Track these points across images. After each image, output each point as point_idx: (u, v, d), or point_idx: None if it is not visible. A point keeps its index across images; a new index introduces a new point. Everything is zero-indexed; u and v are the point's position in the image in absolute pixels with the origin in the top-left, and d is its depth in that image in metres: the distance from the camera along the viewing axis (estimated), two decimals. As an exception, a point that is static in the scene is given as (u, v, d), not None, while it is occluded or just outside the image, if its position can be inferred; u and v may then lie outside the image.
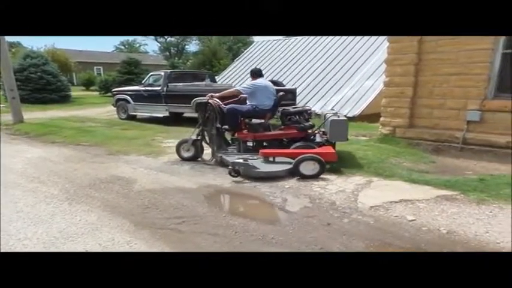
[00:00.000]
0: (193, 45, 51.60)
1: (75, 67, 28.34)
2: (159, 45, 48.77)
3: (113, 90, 12.80)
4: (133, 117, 11.61)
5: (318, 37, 16.15)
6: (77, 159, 6.01)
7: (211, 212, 3.67)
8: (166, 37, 47.53)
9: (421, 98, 6.50)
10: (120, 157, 6.13)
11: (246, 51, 20.59)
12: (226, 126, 5.57)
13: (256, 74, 5.87)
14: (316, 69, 14.30)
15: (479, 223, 3.28)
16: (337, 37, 15.06)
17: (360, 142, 7.09)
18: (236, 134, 5.62)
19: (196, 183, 4.60)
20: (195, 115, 9.73)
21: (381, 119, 7.11)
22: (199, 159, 5.66)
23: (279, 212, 3.75)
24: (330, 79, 13.33)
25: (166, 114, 10.74)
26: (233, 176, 4.63)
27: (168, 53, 47.15)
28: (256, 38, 41.76)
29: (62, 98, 18.23)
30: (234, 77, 17.50)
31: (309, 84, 13.62)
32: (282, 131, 5.61)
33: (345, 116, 11.04)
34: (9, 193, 4.23)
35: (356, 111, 11.21)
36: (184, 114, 11.17)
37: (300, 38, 17.30)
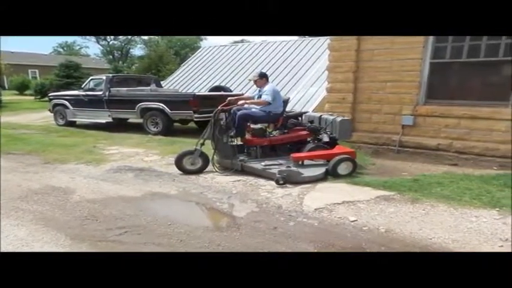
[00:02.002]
0: (138, 49, 50.13)
1: (6, 70, 26.14)
2: (102, 48, 46.72)
3: (50, 94, 12.00)
4: (72, 124, 10.97)
5: (264, 43, 16.43)
6: (7, 169, 5.53)
7: (155, 221, 3.55)
8: (109, 40, 45.69)
9: (361, 104, 6.85)
10: (57, 166, 5.74)
11: (193, 56, 20.35)
12: (232, 132, 5.34)
13: (266, 77, 5.78)
14: (263, 75, 14.51)
15: (413, 221, 3.49)
16: (283, 43, 15.44)
17: (305, 146, 7.28)
18: (248, 140, 5.50)
19: (141, 191, 4.44)
20: (140, 121, 9.50)
21: (325, 123, 7.37)
22: (216, 170, 5.23)
23: (225, 218, 3.72)
24: (277, 84, 13.57)
25: (109, 120, 10.28)
26: (281, 184, 4.52)
27: (111, 57, 45.30)
28: (203, 43, 41.69)
29: (-10, 102, 16.76)
30: (181, 82, 17.21)
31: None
32: (293, 134, 5.67)
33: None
34: None
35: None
36: (129, 120, 10.77)
37: (246, 44, 17.48)
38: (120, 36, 44.80)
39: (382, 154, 6.57)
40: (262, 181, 4.84)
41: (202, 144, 5.20)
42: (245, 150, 5.63)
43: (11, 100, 20.71)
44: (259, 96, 5.64)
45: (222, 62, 17.00)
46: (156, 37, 44.51)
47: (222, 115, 5.27)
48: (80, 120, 10.99)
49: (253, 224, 3.48)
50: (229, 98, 5.55)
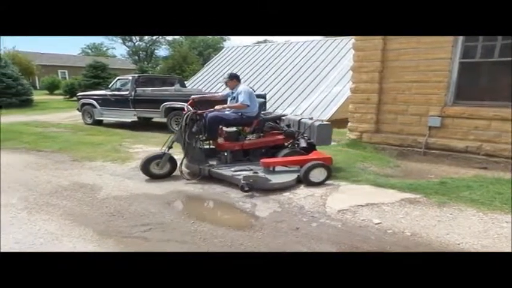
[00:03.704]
0: (163, 49, 51.03)
1: (37, 70, 27.20)
2: (128, 49, 47.81)
3: (78, 94, 12.38)
4: (99, 122, 11.27)
5: (287, 43, 16.39)
6: (38, 166, 5.75)
7: (179, 218, 3.60)
8: (135, 41, 46.70)
9: (386, 104, 6.72)
10: (84, 163, 5.91)
11: (216, 56, 20.55)
12: (203, 136, 5.08)
13: (236, 78, 5.51)
14: (286, 74, 14.48)
15: (440, 225, 3.40)
16: (306, 43, 15.35)
17: (328, 147, 7.21)
18: (220, 144, 5.20)
19: (165, 189, 4.51)
20: (164, 120, 9.66)
21: (349, 124, 7.29)
22: (186, 177, 4.94)
23: (248, 218, 3.73)
24: (300, 85, 13.53)
25: (135, 119, 10.52)
26: (246, 191, 4.20)
27: (137, 57, 46.29)
28: (226, 44, 41.97)
29: (23, 102, 17.45)
30: (204, 82, 17.40)
31: (279, 90, 13.76)
32: (269, 138, 5.37)
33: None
34: (-39, 203, 3.97)
35: (325, 117, 11.41)
36: (153, 119, 10.97)
37: (269, 44, 17.48)
38: (146, 37, 45.72)
39: (407, 156, 6.43)
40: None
41: (171, 147, 4.98)
42: (217, 155, 5.34)
43: (42, 99, 21.49)
44: (233, 98, 5.37)
45: (245, 62, 17.08)
46: (180, 38, 45.23)
47: (193, 118, 4.87)
48: (106, 119, 11.28)
49: (275, 225, 3.48)
50: (192, 97, 5.32)
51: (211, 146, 5.30)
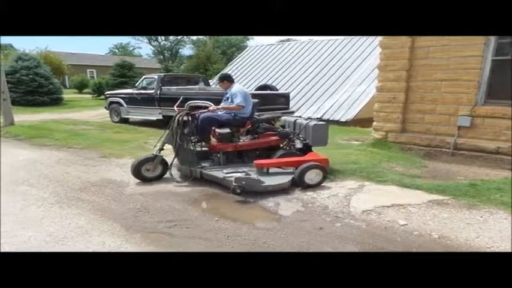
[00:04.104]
0: (187, 49, 51.63)
1: (68, 70, 28.13)
2: (153, 48, 48.68)
3: (106, 93, 12.73)
4: (126, 120, 11.55)
5: (311, 42, 16.26)
6: (68, 162, 5.96)
7: (203, 215, 3.65)
8: (160, 40, 47.48)
9: (413, 104, 6.57)
10: (112, 160, 6.08)
11: (239, 55, 20.65)
12: (196, 138, 4.92)
13: (227, 78, 5.42)
14: (310, 73, 14.38)
15: (470, 228, 3.30)
16: (331, 42, 15.19)
17: (352, 146, 7.13)
18: (212, 145, 5.03)
19: (189, 187, 4.57)
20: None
21: (374, 123, 7.17)
22: (175, 179, 4.78)
23: (271, 216, 3.74)
24: (323, 84, 13.41)
25: (160, 117, 10.70)
26: (237, 194, 4.06)
27: (162, 57, 47.07)
28: (250, 43, 42.09)
29: (54, 100, 18.08)
30: (228, 81, 17.52)
31: (302, 89, 13.69)
32: (263, 139, 5.25)
33: (338, 120, 11.16)
34: (-2, 196, 4.17)
35: (349, 116, 11.28)
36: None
37: (293, 42, 17.39)
38: (171, 37, 46.36)
39: (435, 156, 6.26)
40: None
41: (162, 149, 4.79)
42: (210, 157, 5.18)
43: (71, 98, 22.21)
44: (227, 99, 5.27)
45: (269, 61, 17.08)
46: (204, 37, 45.65)
47: (184, 119, 4.74)
48: (132, 117, 11.54)
49: (298, 224, 3.47)
50: (188, 103, 5.16)
51: (204, 148, 5.15)
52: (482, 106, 5.84)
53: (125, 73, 23.46)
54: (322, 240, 3.13)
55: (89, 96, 25.23)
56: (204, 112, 4.96)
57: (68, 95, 22.67)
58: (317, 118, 11.79)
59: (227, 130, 5.05)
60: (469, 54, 5.81)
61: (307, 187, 4.40)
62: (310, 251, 2.94)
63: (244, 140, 5.25)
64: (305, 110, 12.50)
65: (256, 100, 5.57)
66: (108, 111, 12.09)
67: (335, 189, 4.42)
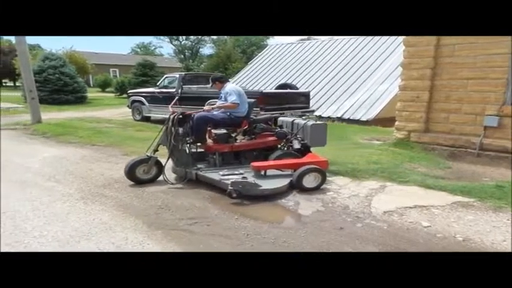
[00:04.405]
0: (207, 48, 51.97)
1: (92, 69, 28.81)
2: (174, 47, 49.24)
3: (128, 92, 12.97)
4: (147, 119, 11.74)
5: (333, 40, 16.10)
6: (92, 159, 6.11)
7: (223, 213, 3.67)
8: (181, 40, 47.97)
9: (437, 103, 6.41)
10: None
11: (260, 54, 20.66)
12: (191, 138, 4.79)
13: (219, 79, 5.32)
14: (330, 72, 14.25)
15: (496, 231, 3.20)
16: (352, 40, 14.99)
17: (373, 146, 7.03)
18: (208, 146, 4.90)
19: (209, 185, 4.60)
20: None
21: (396, 123, 7.04)
22: (169, 181, 4.63)
23: (291, 215, 3.73)
24: (344, 82, 13.26)
25: (181, 116, 10.82)
26: (233, 198, 3.93)
27: (182, 56, 47.55)
28: (270, 41, 42.02)
29: (78, 99, 18.57)
30: (248, 80, 17.55)
31: (322, 88, 13.58)
32: (260, 139, 5.11)
33: (359, 119, 11.02)
34: (26, 191, 4.31)
35: (370, 115, 11.12)
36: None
37: (313, 41, 17.26)
38: (191, 36, 46.79)
39: (459, 157, 6.09)
40: (328, 179, 4.77)
41: (156, 150, 4.66)
42: (206, 158, 5.05)
43: (95, 97, 22.76)
44: (222, 98, 5.16)
45: (289, 60, 17.03)
46: (224, 36, 45.90)
47: (179, 119, 4.64)
48: (154, 115, 11.72)
49: (318, 223, 3.45)
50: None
51: (200, 150, 5.01)
52: (510, 105, 5.64)
53: (147, 72, 23.87)
54: (342, 240, 3.10)
55: (112, 94, 25.80)
56: (199, 112, 4.86)
57: (91, 93, 23.21)
58: (337, 117, 11.69)
59: (223, 130, 4.94)
60: (496, 51, 5.62)
61: (305, 190, 4.26)
62: (330, 250, 2.92)
63: (241, 141, 5.15)
64: (325, 109, 12.40)
65: (253, 100, 5.46)
66: (130, 110, 12.32)
67: (356, 189, 4.37)
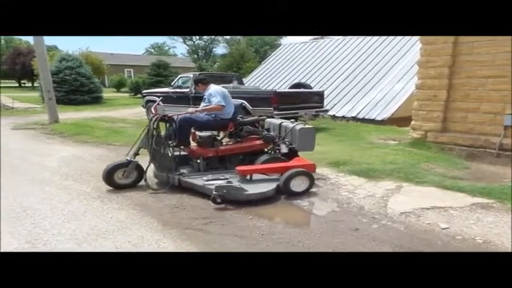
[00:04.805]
0: (220, 47, 52.18)
1: (107, 70, 29.25)
2: (188, 48, 49.58)
3: (143, 92, 13.10)
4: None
5: (347, 39, 15.95)
6: (108, 158, 6.18)
7: (237, 213, 3.67)
8: (194, 40, 48.27)
9: (455, 102, 6.29)
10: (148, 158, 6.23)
11: (273, 53, 20.62)
12: (174, 142, 4.57)
13: (201, 81, 5.19)
14: (345, 71, 14.11)
15: (518, 233, 3.12)
16: (367, 38, 14.81)
17: (388, 146, 6.94)
18: (192, 150, 4.74)
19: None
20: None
21: (412, 122, 6.93)
22: (151, 187, 4.44)
23: (305, 216, 3.71)
24: (359, 81, 13.12)
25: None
26: (218, 203, 3.78)
27: (196, 56, 47.85)
28: (283, 41, 41.93)
29: (94, 99, 18.87)
30: (261, 79, 17.54)
31: (336, 87, 13.46)
32: (247, 143, 4.93)
33: (374, 119, 10.89)
34: (44, 190, 4.40)
35: (385, 115, 10.98)
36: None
37: (327, 40, 17.14)
38: (205, 36, 47.02)
39: (478, 157, 5.96)
40: (342, 180, 4.73)
41: (137, 154, 4.46)
42: (189, 163, 4.85)
43: (110, 97, 23.08)
44: (205, 100, 4.97)
45: (303, 59, 16.94)
46: (238, 36, 46.02)
47: (161, 121, 4.45)
48: (168, 115, 11.79)
49: (334, 224, 3.42)
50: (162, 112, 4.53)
51: (183, 153, 4.77)
52: (531, 104, 5.50)
53: (161, 72, 24.12)
54: (357, 241, 3.06)
55: (127, 95, 26.11)
56: (183, 114, 4.70)
57: (106, 93, 23.57)
58: (351, 117, 11.58)
59: (208, 133, 4.77)
60: (517, 49, 5.48)
61: (293, 195, 4.12)
62: (346, 251, 2.88)
63: (226, 143, 4.98)
64: (339, 108, 12.30)
65: (240, 101, 5.27)
66: (145, 110, 12.45)
67: (371, 190, 4.32)
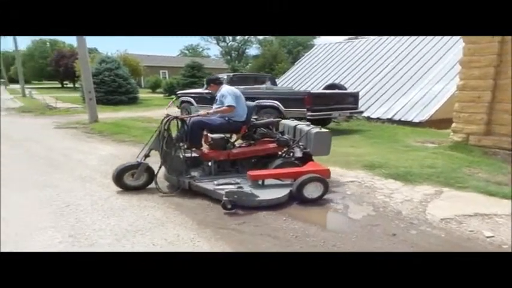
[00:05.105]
0: (253, 48, 52.45)
1: (143, 71, 30.12)
2: (221, 49, 50.18)
3: (177, 92, 13.37)
4: (195, 119, 12.01)
5: (383, 38, 15.55)
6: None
7: (271, 214, 3.65)
8: (228, 41, 48.77)
9: (501, 103, 5.95)
10: (183, 157, 6.35)
11: (307, 54, 20.47)
12: (185, 144, 4.51)
13: (214, 81, 5.06)
14: (381, 71, 13.76)
15: None
16: (405, 37, 14.34)
17: (427, 149, 6.69)
18: (203, 153, 4.63)
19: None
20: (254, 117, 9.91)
21: (453, 125, 6.64)
22: (161, 190, 4.34)
23: (340, 219, 3.65)
24: (396, 82, 12.75)
25: (227, 116, 10.98)
26: (229, 209, 3.68)
27: (229, 57, 48.34)
28: (316, 41, 41.53)
29: (130, 99, 19.48)
30: (294, 80, 17.45)
31: (372, 88, 13.15)
32: (260, 146, 4.78)
33: (411, 121, 10.54)
34: (86, 186, 4.58)
35: (423, 117, 10.60)
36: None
37: (363, 40, 16.79)
38: (238, 37, 47.38)
39: (526, 162, 5.61)
40: (378, 183, 4.61)
41: (147, 155, 4.38)
42: (201, 166, 4.75)
43: (146, 97, 23.75)
44: (217, 102, 4.87)
45: (337, 59, 16.70)
46: (271, 36, 46.06)
47: (172, 124, 4.39)
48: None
49: (369, 228, 3.33)
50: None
51: (194, 155, 4.64)
52: None
53: (195, 73, 24.56)
54: (395, 246, 2.97)
55: (161, 95, 26.77)
56: (195, 116, 4.63)
57: (142, 94, 24.27)
58: (387, 118, 11.27)
59: (220, 135, 4.67)
60: None
61: (306, 201, 3.96)
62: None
63: (239, 147, 4.85)
64: (375, 109, 12.01)
65: (253, 103, 5.18)
66: (179, 110, 12.71)
67: (409, 194, 4.18)
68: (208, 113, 4.67)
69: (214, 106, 4.87)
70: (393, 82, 12.81)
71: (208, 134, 4.67)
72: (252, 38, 48.09)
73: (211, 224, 3.42)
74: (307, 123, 5.11)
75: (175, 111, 13.49)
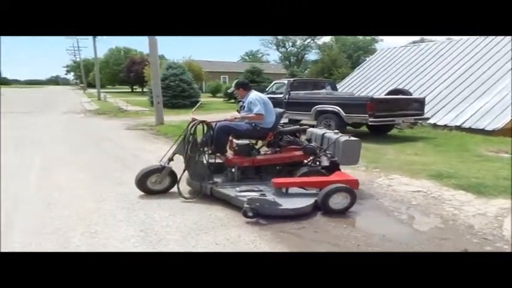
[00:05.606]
0: (312, 54, 52.13)
1: (206, 76, 31.27)
2: (280, 54, 50.58)
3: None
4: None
5: (453, 41, 14.64)
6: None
7: (331, 221, 3.62)
8: (287, 46, 49.02)
9: None
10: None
11: (369, 58, 19.92)
12: (210, 149, 4.46)
13: (245, 86, 4.90)
14: (449, 76, 12.94)
15: None
16: (478, 41, 13.35)
17: (502, 160, 6.20)
18: (227, 158, 4.53)
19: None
20: (313, 123, 9.84)
21: (534, 134, 6.06)
22: (183, 195, 4.25)
23: (405, 230, 3.50)
24: (467, 87, 11.91)
25: (285, 120, 11.03)
26: (250, 217, 3.55)
27: (287, 62, 48.52)
28: (379, 45, 40.12)
29: (192, 103, 20.25)
30: (355, 85, 17.05)
31: (439, 93, 12.41)
32: (285, 154, 4.66)
33: (482, 129, 9.80)
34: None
35: (497, 125, 9.79)
36: (302, 121, 11.31)
37: (430, 43, 15.94)
38: (297, 43, 47.41)
39: None
40: (447, 194, 4.36)
41: (171, 159, 4.34)
42: (224, 171, 4.64)
43: (206, 101, 24.59)
44: (243, 108, 4.75)
45: (402, 64, 16.04)
46: (330, 41, 45.39)
47: (198, 128, 4.34)
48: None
49: (438, 242, 3.17)
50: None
51: (218, 160, 4.59)
52: None
53: (254, 78, 24.98)
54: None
55: (221, 100, 27.58)
56: (221, 121, 4.56)
57: (203, 98, 25.15)
58: (455, 126, 10.58)
59: (246, 141, 4.59)
60: None
61: (332, 212, 3.78)
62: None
63: (264, 154, 4.75)
64: (442, 116, 11.32)
65: (281, 110, 5.04)
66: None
67: (482, 208, 3.90)
68: (236, 118, 4.64)
69: (242, 112, 4.83)
70: (463, 87, 11.99)
71: (234, 140, 4.63)
72: (312, 43, 47.81)
73: (272, 227, 3.47)
74: (336, 131, 4.97)
75: (234, 114, 13.84)
